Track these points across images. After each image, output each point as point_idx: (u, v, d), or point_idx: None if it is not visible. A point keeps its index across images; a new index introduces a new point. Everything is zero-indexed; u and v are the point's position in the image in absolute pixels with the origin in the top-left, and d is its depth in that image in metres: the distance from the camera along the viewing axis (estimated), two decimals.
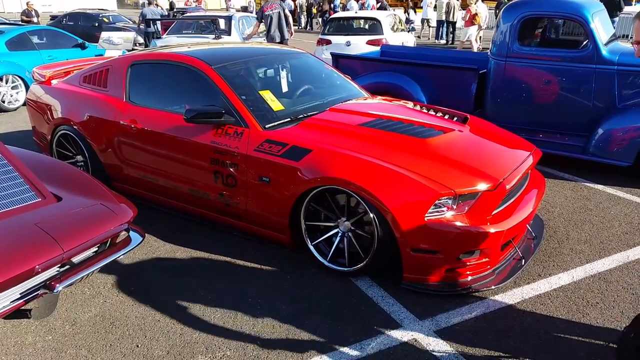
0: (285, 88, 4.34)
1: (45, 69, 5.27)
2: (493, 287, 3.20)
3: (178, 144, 3.93)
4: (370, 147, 3.34)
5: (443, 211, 3.08)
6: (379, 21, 11.09)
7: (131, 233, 3.07)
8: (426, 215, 3.03)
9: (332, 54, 6.71)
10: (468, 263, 3.19)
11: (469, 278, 3.21)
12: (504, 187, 3.16)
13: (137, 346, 2.75)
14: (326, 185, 3.24)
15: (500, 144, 3.67)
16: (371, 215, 3.13)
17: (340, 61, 6.66)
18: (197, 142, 3.80)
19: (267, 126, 3.64)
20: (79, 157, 4.72)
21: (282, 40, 9.36)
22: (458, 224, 3.05)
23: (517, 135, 4.19)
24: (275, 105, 3.87)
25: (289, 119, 3.76)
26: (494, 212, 3.17)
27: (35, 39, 9.41)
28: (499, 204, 3.19)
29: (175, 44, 6.73)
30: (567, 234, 3.96)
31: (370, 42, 10.77)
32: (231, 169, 3.66)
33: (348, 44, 10.99)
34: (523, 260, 3.45)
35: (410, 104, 4.23)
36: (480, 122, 4.04)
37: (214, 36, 10.03)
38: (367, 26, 11.40)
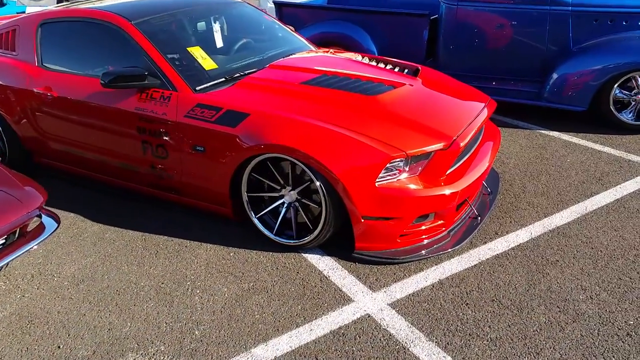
0: (219, 43, 3.92)
1: None
2: (449, 249, 3.02)
3: (100, 113, 3.50)
4: (314, 108, 3.02)
5: (395, 175, 2.83)
6: None
7: (45, 219, 2.70)
8: (377, 180, 2.78)
9: (274, 2, 6.22)
10: (423, 227, 2.98)
11: (425, 242, 3.02)
12: (458, 144, 2.92)
13: (59, 347, 2.44)
14: (268, 154, 2.93)
15: (453, 97, 3.41)
16: (317, 183, 2.85)
17: (284, 10, 6.20)
18: (120, 109, 3.39)
19: (198, 88, 3.25)
20: None
21: None
22: (411, 187, 2.82)
23: (470, 85, 3.95)
24: (207, 63, 3.46)
25: (223, 79, 3.37)
26: (447, 172, 2.95)
27: None
28: (453, 162, 2.96)
29: None
30: (524, 187, 3.81)
31: None
32: (160, 139, 3.28)
33: None
34: (479, 219, 3.27)
35: (358, 57, 3.89)
36: (432, 74, 3.76)
37: None
38: None
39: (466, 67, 5.35)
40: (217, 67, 3.48)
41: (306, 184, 2.96)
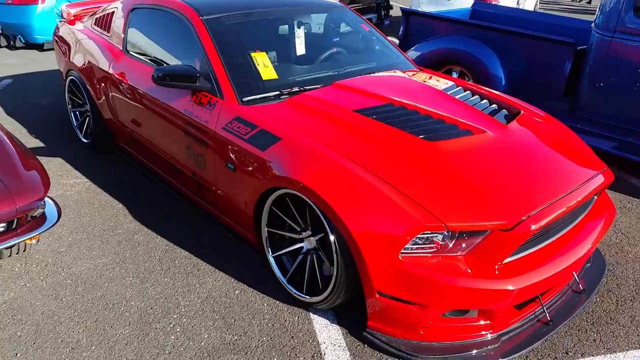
0: (300, 51, 3.52)
1: (74, 7, 4.91)
2: None
3: (156, 107, 3.35)
4: (354, 144, 2.48)
5: (431, 249, 2.19)
6: None
7: (48, 212, 2.59)
8: (402, 251, 2.17)
9: (402, 9, 5.64)
10: (458, 324, 2.29)
11: (459, 343, 2.32)
12: (528, 227, 2.16)
13: (16, 355, 2.29)
14: (286, 188, 2.48)
15: (549, 160, 2.59)
16: (332, 237, 2.33)
17: (411, 19, 5.59)
18: (172, 108, 3.19)
19: (245, 99, 2.90)
20: (88, 107, 4.32)
21: None
22: (448, 270, 2.16)
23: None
24: (267, 73, 3.09)
25: (277, 93, 2.98)
26: (505, 260, 2.21)
27: None
28: (515, 249, 2.20)
29: None
30: (638, 292, 2.83)
31: None
32: (201, 147, 3.01)
33: None
34: (551, 324, 2.46)
35: (449, 84, 3.21)
36: (535, 123, 2.93)
37: None
38: None
39: (613, 114, 4.27)
40: (277, 77, 3.09)
41: (323, 234, 2.45)
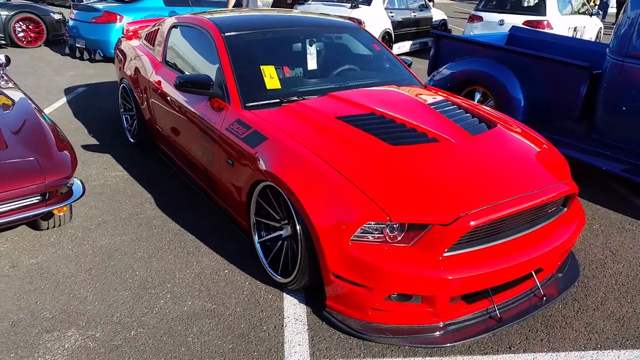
0: (311, 66, 3.92)
1: (133, 25, 5.61)
2: (442, 345, 2.50)
3: (182, 111, 3.84)
4: (329, 146, 2.81)
5: (380, 238, 2.47)
6: None
7: (75, 188, 3.13)
8: (352, 238, 2.46)
9: (432, 32, 5.91)
10: (403, 308, 2.54)
11: (405, 326, 2.56)
12: (466, 223, 2.39)
13: (37, 302, 2.79)
14: (267, 181, 2.85)
15: (508, 167, 2.77)
16: (297, 225, 2.66)
17: (442, 42, 5.84)
18: (192, 112, 3.67)
19: (247, 105, 3.32)
20: (134, 111, 4.93)
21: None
22: (389, 256, 2.42)
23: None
24: (272, 83, 3.50)
25: (277, 100, 3.38)
26: (445, 254, 2.44)
27: None
28: (453, 243, 2.43)
29: (299, 10, 6.55)
30: (604, 302, 2.92)
31: (526, 23, 9.35)
32: (211, 145, 3.45)
33: (501, 22, 9.72)
34: (501, 322, 2.63)
35: (437, 99, 3.47)
36: (508, 135, 3.10)
37: (349, 5, 9.69)
38: (528, 3, 9.87)
39: (625, 138, 4.29)
40: (279, 87, 3.49)
41: (292, 222, 2.78)
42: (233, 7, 8.31)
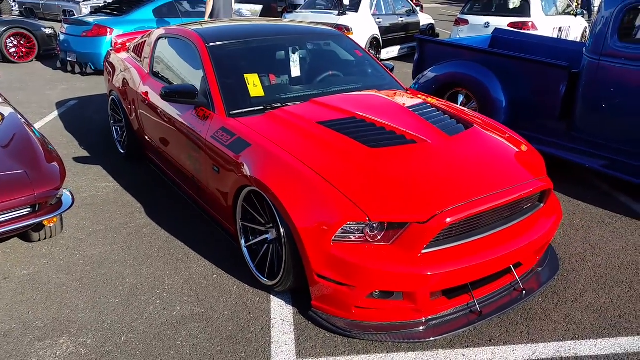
0: (294, 73, 4.00)
1: (121, 38, 5.69)
2: (425, 339, 2.58)
3: (169, 121, 3.92)
4: (310, 150, 2.89)
5: (361, 237, 2.54)
6: (527, 0, 9.65)
7: (64, 199, 3.20)
8: (333, 239, 2.54)
9: (415, 37, 6.01)
10: (386, 305, 2.61)
11: (387, 323, 2.64)
12: (441, 220, 2.47)
13: (29, 312, 2.85)
14: (250, 186, 2.93)
15: (483, 165, 2.86)
16: (281, 228, 2.74)
17: (425, 46, 5.95)
18: (179, 121, 3.75)
19: (232, 112, 3.40)
20: (124, 122, 5.01)
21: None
22: (370, 255, 2.50)
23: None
24: (255, 91, 3.58)
25: (261, 108, 3.46)
26: (423, 250, 2.52)
27: (184, 6, 10.16)
28: (431, 239, 2.51)
29: (288, 19, 6.64)
30: (582, 294, 3.00)
31: (512, 25, 9.50)
32: (198, 153, 3.53)
33: (487, 25, 9.87)
34: (481, 316, 2.71)
35: (416, 102, 3.56)
36: (484, 135, 3.19)
37: (337, 12, 9.82)
38: (513, 5, 10.01)
39: (604, 134, 4.39)
40: (263, 95, 3.58)
41: (277, 225, 2.86)
42: (209, 18, 8.40)
